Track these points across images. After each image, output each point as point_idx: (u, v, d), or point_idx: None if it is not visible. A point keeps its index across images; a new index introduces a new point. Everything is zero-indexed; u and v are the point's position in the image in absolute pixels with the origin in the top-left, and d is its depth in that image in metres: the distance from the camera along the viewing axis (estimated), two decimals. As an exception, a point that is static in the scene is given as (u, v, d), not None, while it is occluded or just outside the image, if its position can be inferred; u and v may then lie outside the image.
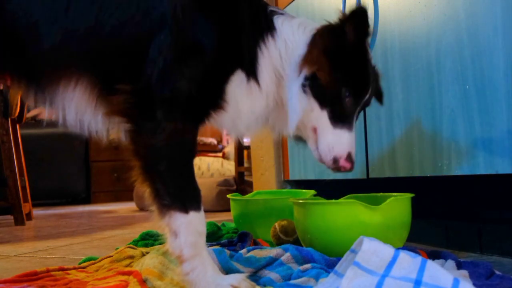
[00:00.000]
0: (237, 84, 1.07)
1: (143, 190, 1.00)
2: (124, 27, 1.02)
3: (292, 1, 2.18)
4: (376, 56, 1.61)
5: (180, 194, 0.99)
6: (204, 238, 1.02)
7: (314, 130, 1.13)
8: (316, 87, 1.09)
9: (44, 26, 1.00)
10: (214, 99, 1.06)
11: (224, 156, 4.50)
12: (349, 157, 1.11)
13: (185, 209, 0.98)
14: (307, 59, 1.10)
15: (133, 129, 1.00)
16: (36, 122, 5.11)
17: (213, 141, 5.25)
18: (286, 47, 1.12)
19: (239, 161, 3.74)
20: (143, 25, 1.02)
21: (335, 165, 1.11)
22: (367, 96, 1.15)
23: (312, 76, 1.09)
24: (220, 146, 5.27)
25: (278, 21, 1.13)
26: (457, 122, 1.30)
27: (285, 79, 1.11)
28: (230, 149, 4.43)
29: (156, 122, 0.98)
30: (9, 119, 2.98)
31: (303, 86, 1.09)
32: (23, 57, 1.04)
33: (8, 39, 1.02)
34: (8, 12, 1.01)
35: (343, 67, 1.10)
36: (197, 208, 0.99)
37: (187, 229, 0.98)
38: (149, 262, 1.15)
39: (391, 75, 1.55)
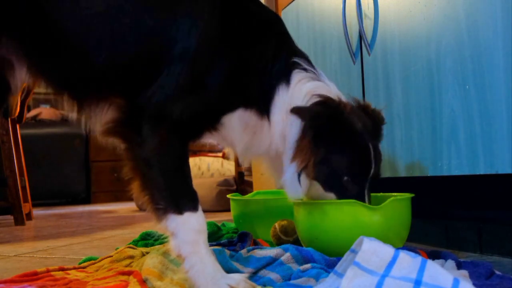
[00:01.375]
0: (239, 118, 1.15)
1: (143, 198, 1.07)
2: (147, 52, 1.10)
3: (292, 1, 2.18)
4: (376, 56, 1.61)
5: (174, 197, 1.05)
6: (203, 236, 1.06)
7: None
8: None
9: (95, 49, 1.10)
10: (211, 124, 1.14)
11: (224, 156, 4.50)
12: None
13: (179, 211, 1.03)
14: (297, 154, 1.16)
15: (128, 147, 1.08)
16: (36, 122, 5.11)
17: (213, 141, 5.25)
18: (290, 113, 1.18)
19: (239, 161, 3.73)
20: (165, 53, 1.09)
21: None
22: (372, 172, 1.21)
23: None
24: (220, 146, 5.27)
25: (294, 78, 1.19)
26: (457, 122, 1.30)
27: (286, 141, 1.18)
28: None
29: (149, 138, 1.05)
30: (9, 119, 2.98)
31: (298, 175, 1.16)
32: (78, 76, 1.14)
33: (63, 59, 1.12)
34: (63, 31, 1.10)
35: (333, 159, 1.17)
36: (192, 208, 1.05)
37: (182, 228, 1.03)
38: (149, 262, 1.15)
39: (391, 75, 1.55)
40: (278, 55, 1.19)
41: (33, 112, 5.28)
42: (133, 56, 1.10)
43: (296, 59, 1.20)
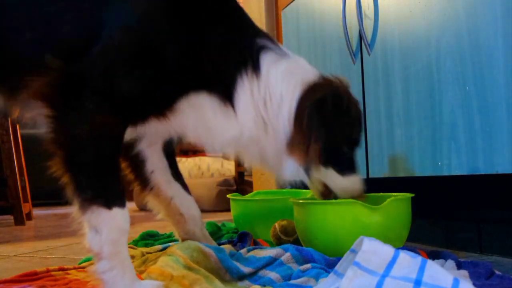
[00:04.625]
0: (203, 102, 1.07)
1: (63, 183, 0.97)
2: (79, 16, 1.01)
3: (292, 1, 2.18)
4: (376, 56, 1.61)
5: (103, 189, 0.95)
6: (126, 237, 0.98)
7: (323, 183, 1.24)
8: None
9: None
10: (158, 108, 1.05)
11: (224, 156, 4.50)
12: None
13: (108, 205, 0.94)
14: (295, 148, 1.13)
15: (55, 116, 0.96)
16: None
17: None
18: (271, 99, 1.12)
19: (239, 161, 3.74)
20: (99, 17, 1.00)
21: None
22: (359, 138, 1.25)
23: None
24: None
25: (264, 62, 1.12)
26: (457, 122, 1.30)
27: (270, 130, 1.14)
28: (230, 149, 4.43)
29: (83, 111, 0.94)
30: (9, 119, 2.98)
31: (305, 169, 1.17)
32: None
33: None
34: None
35: (335, 137, 1.17)
36: (121, 205, 0.96)
37: (109, 225, 0.95)
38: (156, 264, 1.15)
39: (391, 75, 1.55)
40: (240, 32, 1.12)
41: (33, 112, 5.28)
42: (68, 31, 1.01)
43: (260, 39, 1.13)
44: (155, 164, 1.32)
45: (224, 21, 1.11)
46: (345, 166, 1.22)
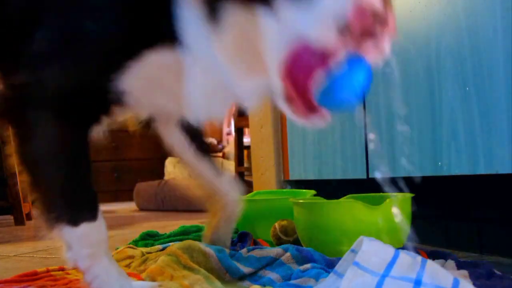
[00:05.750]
0: (156, 64, 0.84)
1: (34, 197, 0.89)
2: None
3: (292, 1, 2.18)
4: (376, 56, 1.61)
5: (68, 205, 0.88)
6: (103, 246, 0.92)
7: None
8: None
9: None
10: (110, 96, 0.86)
11: (224, 156, 4.50)
12: None
13: (74, 222, 0.87)
14: None
15: (15, 133, 0.88)
16: (36, 122, 5.10)
17: (213, 141, 5.26)
18: None
19: (239, 161, 3.74)
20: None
21: None
22: None
23: None
24: (220, 146, 5.27)
25: None
26: (457, 122, 1.30)
27: None
28: (230, 149, 4.44)
29: (30, 125, 0.85)
30: (9, 119, 2.97)
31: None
32: None
33: None
34: None
35: None
36: (90, 218, 0.88)
37: (79, 242, 0.89)
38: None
39: (391, 75, 1.55)
40: None
41: (33, 112, 5.27)
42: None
43: None
44: (172, 142, 1.26)
45: None
46: None
